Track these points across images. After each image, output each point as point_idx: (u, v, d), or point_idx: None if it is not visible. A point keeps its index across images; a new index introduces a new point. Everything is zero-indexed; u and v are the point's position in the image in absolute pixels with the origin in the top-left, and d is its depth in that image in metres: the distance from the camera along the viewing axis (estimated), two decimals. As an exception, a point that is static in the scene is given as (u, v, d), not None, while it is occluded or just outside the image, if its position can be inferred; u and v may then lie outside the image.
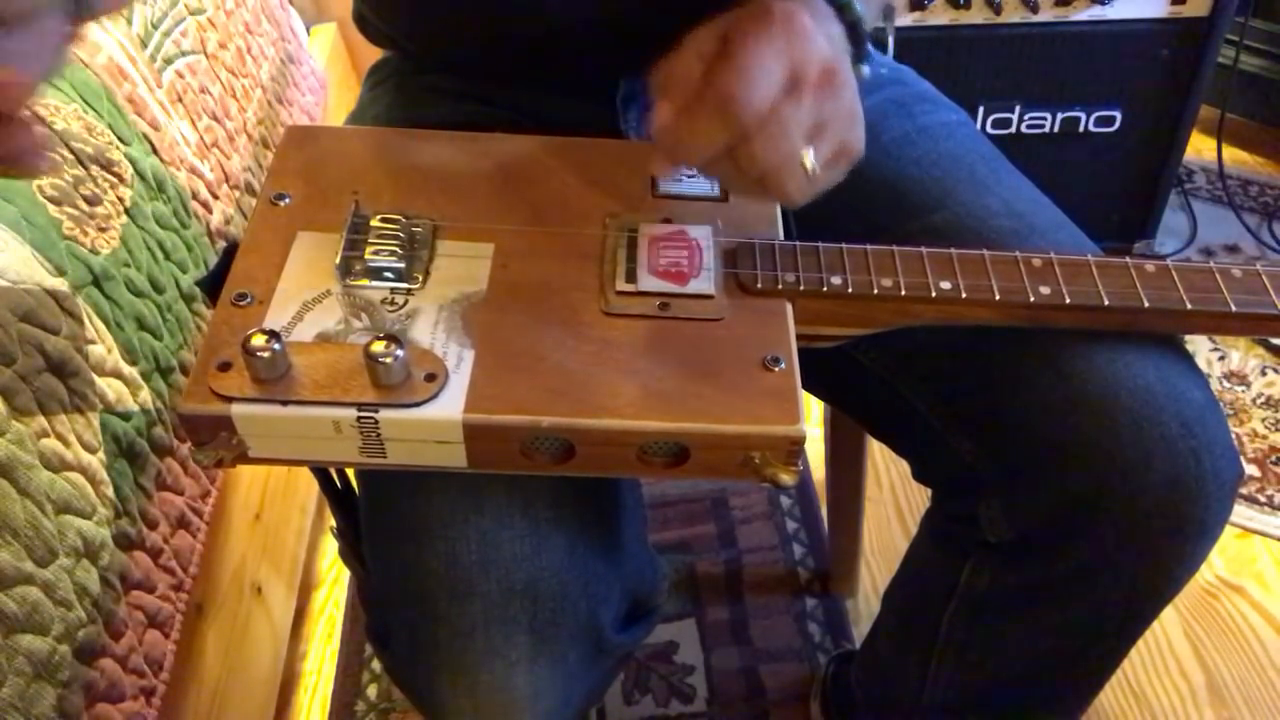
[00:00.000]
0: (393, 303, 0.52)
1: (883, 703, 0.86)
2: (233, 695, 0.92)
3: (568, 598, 0.57)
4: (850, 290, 0.54)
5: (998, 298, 0.54)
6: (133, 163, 0.85)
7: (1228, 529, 1.22)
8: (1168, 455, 0.57)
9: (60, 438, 0.67)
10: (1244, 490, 1.28)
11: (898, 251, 0.56)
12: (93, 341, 0.73)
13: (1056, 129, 1.43)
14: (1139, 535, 0.59)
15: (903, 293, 0.54)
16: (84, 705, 0.64)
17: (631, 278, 0.53)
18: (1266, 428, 1.35)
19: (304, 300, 0.51)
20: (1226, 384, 1.41)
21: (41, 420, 0.66)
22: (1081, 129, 1.43)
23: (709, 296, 0.53)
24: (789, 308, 0.53)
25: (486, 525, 0.56)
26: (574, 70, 0.68)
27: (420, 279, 0.53)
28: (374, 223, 0.55)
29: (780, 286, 0.54)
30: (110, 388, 0.74)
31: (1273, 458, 1.31)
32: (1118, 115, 1.42)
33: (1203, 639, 1.14)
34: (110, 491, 0.71)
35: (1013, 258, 0.56)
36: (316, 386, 0.47)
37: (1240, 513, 1.25)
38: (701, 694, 1.12)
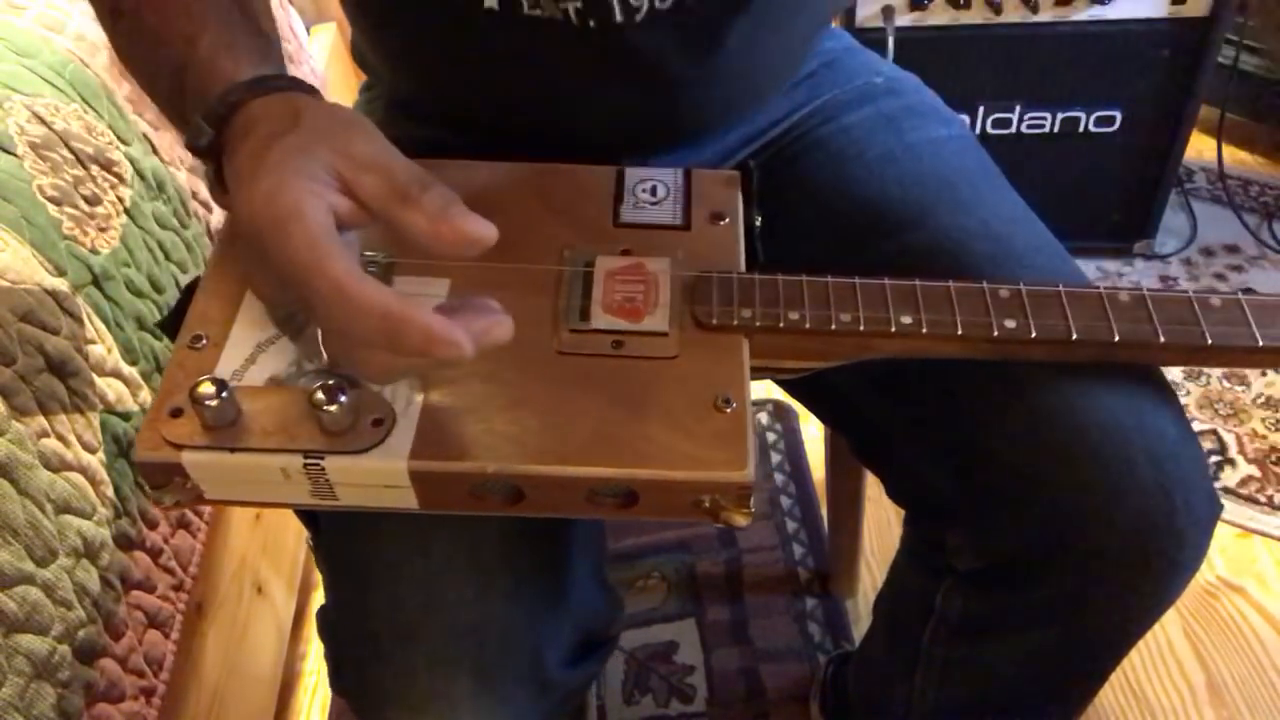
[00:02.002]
0: None
1: (875, 708, 0.86)
2: (233, 695, 0.92)
3: (512, 640, 0.57)
4: (808, 325, 0.53)
5: (960, 332, 0.53)
6: (133, 163, 0.85)
7: (1228, 529, 1.23)
8: (1136, 492, 0.55)
9: (60, 438, 0.67)
10: (1244, 490, 1.28)
11: (860, 283, 0.54)
12: (93, 341, 0.73)
13: (1056, 129, 1.43)
14: (1108, 573, 0.58)
15: (861, 328, 0.53)
16: (84, 705, 0.64)
17: (585, 315, 0.52)
18: (1266, 428, 1.35)
19: (257, 342, 0.51)
20: (1226, 384, 1.41)
21: (41, 420, 0.66)
22: (1081, 129, 1.43)
23: (663, 334, 0.52)
24: (745, 344, 0.52)
25: (432, 568, 0.56)
26: (575, 143, 0.66)
27: None
28: None
29: (736, 322, 0.52)
30: (110, 388, 0.74)
31: (1273, 458, 1.31)
32: (1118, 115, 1.42)
33: (1203, 639, 1.14)
34: (110, 491, 0.71)
35: (979, 289, 0.54)
36: (264, 433, 0.47)
37: (1240, 513, 1.25)
38: (701, 694, 1.11)
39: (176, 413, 0.48)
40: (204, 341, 0.51)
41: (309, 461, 0.47)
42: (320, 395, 0.46)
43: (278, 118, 0.46)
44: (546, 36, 0.59)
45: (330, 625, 0.62)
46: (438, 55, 0.66)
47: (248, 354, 0.51)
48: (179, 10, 0.51)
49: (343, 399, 0.46)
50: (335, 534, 0.62)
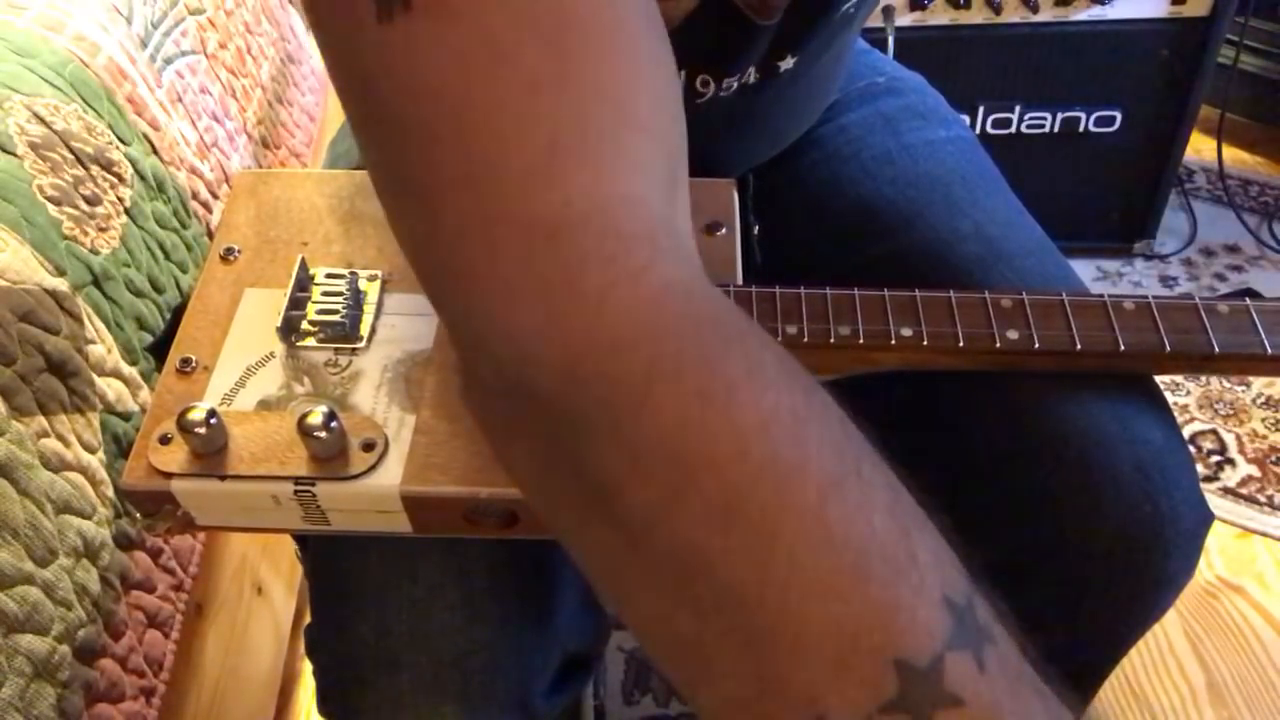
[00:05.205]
0: (336, 364, 0.50)
1: None
2: (233, 695, 0.92)
3: (499, 670, 0.56)
4: (806, 340, 0.51)
5: (962, 344, 0.51)
6: (133, 163, 0.85)
7: (1228, 529, 1.23)
8: (1120, 501, 0.54)
9: (60, 438, 0.67)
10: (1244, 490, 1.28)
11: (859, 295, 0.52)
12: (93, 341, 0.73)
13: (1056, 129, 1.43)
14: (1094, 584, 0.57)
15: (861, 341, 0.51)
16: (84, 705, 0.64)
17: None
18: (1266, 428, 1.35)
19: (247, 364, 0.50)
20: (1227, 384, 1.41)
21: (41, 420, 0.65)
22: (1081, 129, 1.43)
23: None
24: None
25: (419, 594, 0.55)
26: None
27: (365, 338, 0.51)
28: (319, 279, 0.53)
29: None
30: (110, 388, 0.74)
31: (1273, 458, 1.31)
32: (1118, 115, 1.42)
33: (1203, 639, 1.14)
34: (110, 491, 0.71)
35: (980, 299, 0.52)
36: (253, 460, 0.46)
37: (1240, 513, 1.25)
38: (701, 694, 1.11)
39: (165, 440, 0.47)
40: (193, 365, 0.50)
41: (300, 488, 0.46)
42: (311, 420, 0.45)
43: None
44: None
45: (316, 646, 0.61)
46: None
47: (238, 377, 0.50)
48: None
49: (334, 424, 0.45)
50: (322, 551, 0.60)
